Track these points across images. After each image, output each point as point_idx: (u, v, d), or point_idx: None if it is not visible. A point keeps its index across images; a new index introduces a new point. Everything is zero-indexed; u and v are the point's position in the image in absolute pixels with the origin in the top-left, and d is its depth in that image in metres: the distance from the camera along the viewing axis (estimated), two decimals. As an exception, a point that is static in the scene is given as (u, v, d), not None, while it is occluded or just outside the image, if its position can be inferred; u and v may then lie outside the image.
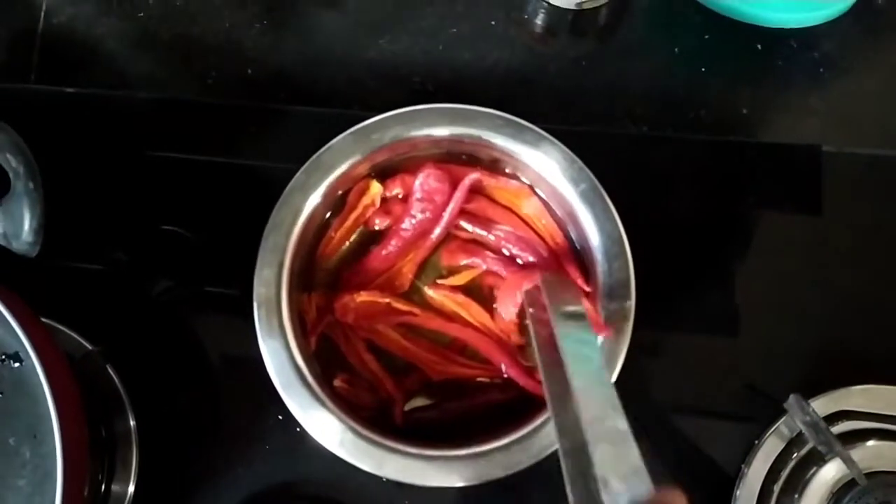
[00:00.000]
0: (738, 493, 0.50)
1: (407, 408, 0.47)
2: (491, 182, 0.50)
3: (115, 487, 0.52)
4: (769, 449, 0.50)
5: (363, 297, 0.48)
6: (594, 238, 0.46)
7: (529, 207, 0.50)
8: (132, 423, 0.52)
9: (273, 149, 0.57)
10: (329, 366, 0.48)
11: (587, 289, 0.47)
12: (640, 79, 0.59)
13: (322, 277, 0.50)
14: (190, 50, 0.61)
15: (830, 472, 0.49)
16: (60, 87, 0.59)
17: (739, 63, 0.60)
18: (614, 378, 0.43)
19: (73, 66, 0.61)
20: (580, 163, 0.46)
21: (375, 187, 0.50)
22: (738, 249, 0.56)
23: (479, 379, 0.48)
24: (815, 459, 0.49)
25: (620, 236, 0.45)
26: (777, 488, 0.50)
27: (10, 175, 0.42)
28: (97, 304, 0.55)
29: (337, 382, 0.47)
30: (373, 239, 0.51)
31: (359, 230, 0.51)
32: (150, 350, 0.54)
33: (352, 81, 0.60)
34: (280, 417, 0.52)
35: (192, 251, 0.57)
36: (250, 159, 0.58)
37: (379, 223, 0.50)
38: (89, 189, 0.58)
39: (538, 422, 0.43)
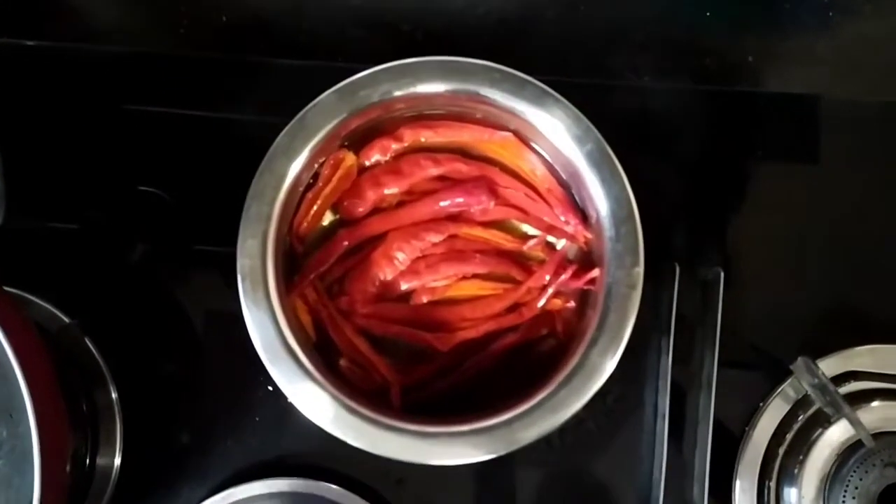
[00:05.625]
0: (742, 455, 0.49)
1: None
2: (476, 136, 0.47)
3: (100, 461, 0.50)
4: (774, 411, 0.49)
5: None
6: (600, 201, 0.43)
7: (519, 160, 0.48)
8: (114, 395, 0.50)
9: (254, 102, 0.54)
10: (333, 346, 0.46)
11: (588, 234, 0.46)
12: (642, 25, 0.56)
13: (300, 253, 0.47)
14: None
15: (836, 434, 0.48)
16: (20, 39, 0.55)
17: (745, 6, 0.56)
18: (622, 348, 0.42)
19: (34, 17, 0.56)
20: (587, 121, 0.43)
21: (350, 158, 0.47)
22: (742, 205, 0.54)
23: (487, 330, 0.46)
24: (821, 421, 0.48)
25: (628, 198, 0.42)
26: (782, 451, 0.49)
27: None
28: (72, 272, 0.52)
29: (343, 362, 0.45)
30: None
31: (335, 217, 0.48)
32: (131, 319, 0.52)
33: (335, 29, 0.56)
34: (270, 388, 0.50)
35: (169, 212, 0.54)
36: (229, 113, 0.54)
37: (362, 210, 0.47)
38: (57, 149, 0.54)
39: (544, 393, 0.41)
